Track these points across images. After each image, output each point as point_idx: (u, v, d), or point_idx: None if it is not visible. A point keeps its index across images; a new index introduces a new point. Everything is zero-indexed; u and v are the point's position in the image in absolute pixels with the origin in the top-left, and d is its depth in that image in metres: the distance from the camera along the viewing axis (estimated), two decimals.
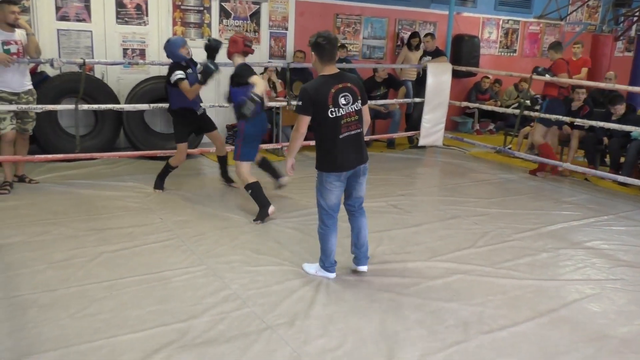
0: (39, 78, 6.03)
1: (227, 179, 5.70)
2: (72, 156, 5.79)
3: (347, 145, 3.38)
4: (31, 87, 5.30)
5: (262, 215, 4.64)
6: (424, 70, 7.69)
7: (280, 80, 7.51)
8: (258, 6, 7.87)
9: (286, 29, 8.16)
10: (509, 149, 7.43)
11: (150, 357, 2.68)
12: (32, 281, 3.40)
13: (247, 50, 4.79)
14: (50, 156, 5.73)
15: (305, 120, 3.37)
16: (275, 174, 5.33)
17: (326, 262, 3.63)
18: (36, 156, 5.63)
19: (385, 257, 4.07)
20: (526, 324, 3.19)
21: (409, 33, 8.94)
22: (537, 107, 6.99)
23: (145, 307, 3.16)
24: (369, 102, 7.32)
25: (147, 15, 7.12)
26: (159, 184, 5.39)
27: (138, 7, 7.05)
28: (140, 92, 6.60)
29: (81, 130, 6.05)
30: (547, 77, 6.48)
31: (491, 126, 9.88)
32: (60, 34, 6.60)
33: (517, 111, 6.95)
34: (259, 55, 7.94)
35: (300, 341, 2.90)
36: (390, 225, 4.74)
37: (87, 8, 6.74)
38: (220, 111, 7.54)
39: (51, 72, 6.27)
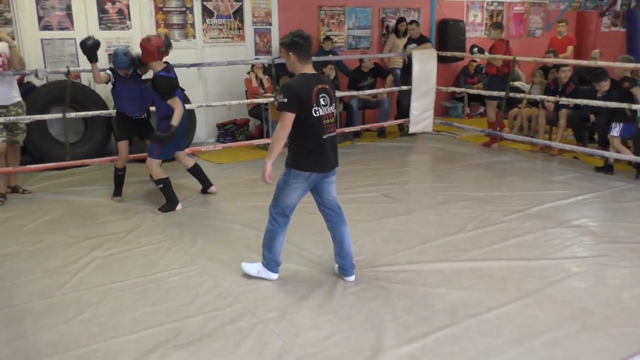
0: (25, 89, 6.07)
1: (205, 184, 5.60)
2: (63, 164, 5.85)
3: (326, 146, 3.33)
4: (20, 99, 5.35)
5: (167, 209, 4.96)
6: (410, 58, 7.72)
7: (267, 77, 7.55)
8: (240, 3, 7.89)
9: (270, 24, 8.18)
10: (498, 130, 7.48)
11: (145, 357, 2.75)
12: (28, 290, 3.47)
13: (163, 56, 4.84)
14: (42, 165, 5.79)
15: (290, 118, 3.22)
16: (205, 183, 5.46)
17: (270, 262, 3.55)
18: (28, 166, 5.69)
19: (375, 246, 4.14)
20: (512, 304, 3.26)
21: (395, 20, 8.97)
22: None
23: (139, 309, 3.23)
24: (357, 92, 7.52)
25: (129, 20, 7.15)
26: (117, 192, 5.35)
27: (120, 11, 7.07)
28: None
29: (71, 138, 6.11)
30: (483, 55, 7.36)
31: (481, 109, 9.90)
32: (44, 44, 6.63)
33: (502, 93, 6.99)
34: (245, 52, 7.97)
35: (292, 334, 2.97)
36: (381, 214, 4.80)
37: (69, 16, 6.77)
38: (209, 110, 7.60)
39: (38, 82, 6.31)
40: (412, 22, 8.21)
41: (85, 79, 6.90)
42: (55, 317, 3.14)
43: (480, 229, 4.46)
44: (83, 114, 5.91)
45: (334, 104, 3.38)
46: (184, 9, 7.50)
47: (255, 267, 3.61)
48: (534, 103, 7.52)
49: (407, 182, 5.90)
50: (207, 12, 7.67)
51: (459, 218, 4.71)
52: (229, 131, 7.78)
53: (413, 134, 8.01)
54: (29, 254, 4.03)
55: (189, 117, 5.57)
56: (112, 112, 6.26)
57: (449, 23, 9.52)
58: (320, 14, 8.61)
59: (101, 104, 6.51)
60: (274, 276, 3.58)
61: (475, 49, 7.31)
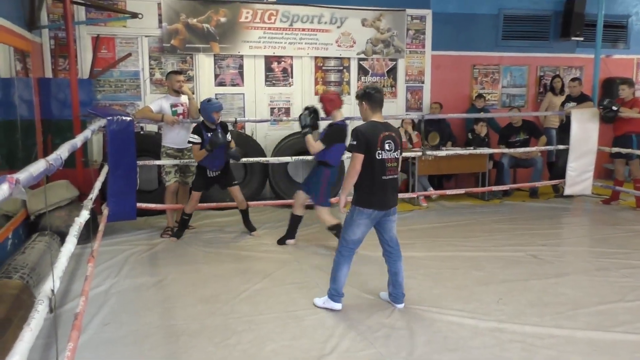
0: None
1: (249, 228, 5.94)
2: (224, 205, 6.41)
3: (387, 186, 3.69)
4: None
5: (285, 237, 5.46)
6: (568, 117, 7.37)
7: (416, 132, 7.67)
8: (395, 62, 8.19)
9: (422, 82, 8.36)
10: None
11: None
12: (185, 313, 3.83)
13: (342, 105, 5.26)
14: (205, 205, 6.39)
15: (360, 158, 3.63)
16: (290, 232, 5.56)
17: (333, 290, 3.84)
18: None
19: (519, 307, 3.92)
20: None
21: (553, 76, 8.66)
22: None
23: (279, 342, 3.40)
24: (508, 148, 7.31)
25: (292, 77, 7.77)
26: (178, 233, 5.75)
27: (284, 70, 7.72)
28: (284, 147, 7.16)
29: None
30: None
31: None
32: (217, 97, 7.44)
33: None
34: (396, 108, 8.20)
35: None
36: (528, 276, 4.56)
37: (241, 74, 7.55)
38: None
39: None
40: (574, 79, 7.86)
41: (249, 129, 7.59)
42: (205, 340, 3.42)
43: None
44: (245, 160, 6.46)
45: (398, 151, 3.74)
46: (342, 67, 7.98)
47: (322, 300, 3.91)
48: None
49: (560, 245, 5.53)
50: (362, 71, 8.07)
51: (618, 286, 4.30)
52: None
53: (569, 196, 7.53)
54: (187, 282, 4.44)
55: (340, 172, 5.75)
56: (269, 159, 6.80)
57: (615, 82, 8.94)
58: (473, 72, 8.61)
59: (260, 152, 7.08)
60: (338, 306, 3.84)
61: (606, 102, 7.08)
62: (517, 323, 3.64)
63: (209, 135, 5.42)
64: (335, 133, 5.06)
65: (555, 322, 3.67)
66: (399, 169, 3.83)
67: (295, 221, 5.49)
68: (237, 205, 5.82)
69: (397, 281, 3.91)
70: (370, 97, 3.76)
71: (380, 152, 3.64)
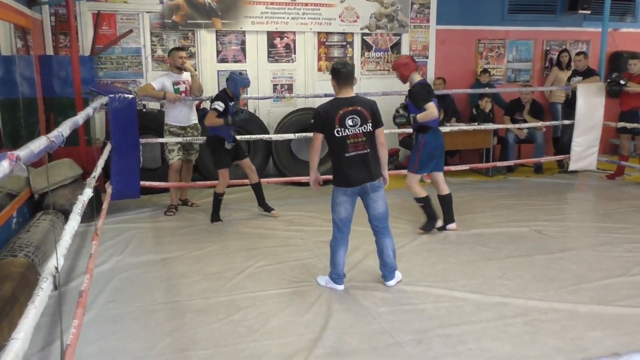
0: (201, 114, 6.77)
1: (265, 207, 5.71)
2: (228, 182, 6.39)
3: (354, 163, 3.62)
4: (197, 121, 6.01)
5: (428, 228, 5.00)
6: (573, 92, 7.29)
7: None
8: (399, 37, 8.09)
9: (427, 57, 8.27)
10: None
11: None
12: (190, 290, 3.85)
13: (417, 66, 5.07)
14: (209, 182, 6.39)
15: (318, 137, 3.69)
16: (445, 215, 5.11)
17: (334, 274, 3.82)
18: (198, 183, 6.32)
19: (523, 282, 3.93)
20: None
21: (560, 50, 8.54)
22: None
23: (283, 317, 3.42)
24: (515, 124, 7.25)
25: (294, 53, 7.69)
26: (215, 217, 5.49)
27: (287, 46, 7.65)
28: (287, 123, 7.13)
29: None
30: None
31: None
32: (220, 74, 7.39)
33: None
34: (399, 84, 8.10)
35: (428, 358, 2.93)
36: (532, 251, 4.55)
37: (243, 50, 7.48)
38: None
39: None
40: (579, 53, 7.75)
41: (252, 106, 7.54)
42: (210, 316, 3.43)
43: None
44: (247, 137, 6.43)
45: (367, 124, 3.63)
46: (345, 43, 7.89)
47: (324, 280, 3.91)
48: None
49: (564, 220, 5.52)
50: (366, 46, 7.98)
51: (622, 261, 4.29)
52: None
53: (574, 172, 7.50)
54: (193, 259, 4.46)
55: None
56: (272, 136, 6.76)
57: (622, 56, 8.82)
58: (478, 47, 8.51)
59: (263, 129, 7.04)
60: (340, 287, 3.82)
61: (614, 75, 6.93)
62: (521, 298, 3.65)
63: (232, 105, 5.27)
64: (423, 90, 4.81)
65: (559, 296, 3.68)
66: (372, 143, 3.68)
67: (440, 203, 5.13)
68: (249, 179, 5.64)
69: (382, 260, 3.87)
70: (337, 73, 3.70)
71: (339, 129, 3.59)
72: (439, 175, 5.08)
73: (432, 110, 4.72)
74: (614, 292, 3.73)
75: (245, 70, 7.07)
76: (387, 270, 3.88)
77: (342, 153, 3.63)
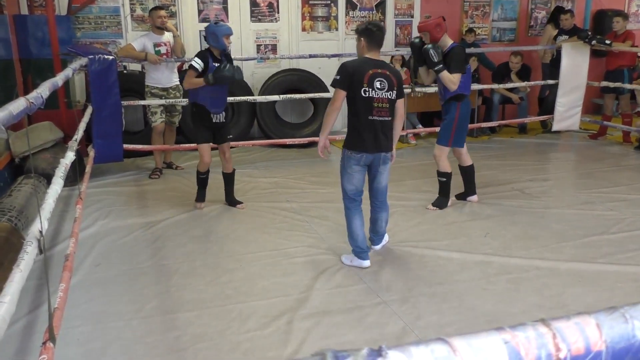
0: (183, 75, 6.66)
1: (231, 201, 4.85)
2: (213, 145, 6.33)
3: (374, 128, 3.41)
4: (178, 83, 5.91)
5: (440, 205, 4.71)
6: (558, 51, 7.27)
7: (404, 69, 7.55)
8: None
9: (412, 16, 8.16)
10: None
11: (273, 321, 2.94)
12: (176, 252, 3.85)
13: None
14: (193, 145, 6.31)
15: (341, 95, 3.40)
16: (469, 189, 4.89)
17: (355, 247, 3.57)
18: (182, 145, 6.26)
19: (506, 241, 4.00)
20: None
21: (554, 7, 8.40)
22: None
23: (270, 279, 3.45)
24: (501, 86, 7.21)
25: (278, 12, 7.54)
26: (198, 196, 4.82)
27: (270, 5, 7.48)
28: (272, 85, 7.04)
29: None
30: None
31: (639, 108, 9.04)
32: (202, 35, 7.22)
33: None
34: (385, 44, 8.00)
35: (413, 316, 2.99)
36: (515, 210, 4.62)
37: (225, 9, 7.31)
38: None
39: None
40: (566, 11, 7.69)
41: None
42: (197, 278, 3.46)
43: (626, 232, 4.11)
44: (231, 99, 6.34)
45: (393, 92, 3.42)
46: (329, 1, 7.74)
47: (349, 258, 3.63)
48: None
49: (547, 180, 5.59)
50: (350, 5, 7.84)
51: (603, 219, 4.38)
52: None
53: (557, 132, 7.55)
54: (178, 222, 4.45)
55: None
56: (257, 98, 6.68)
57: (607, 14, 8.78)
58: (464, 5, 8.40)
59: (247, 91, 6.96)
60: (365, 263, 3.56)
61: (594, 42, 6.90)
62: (504, 256, 3.72)
63: (214, 65, 4.42)
64: (460, 54, 4.38)
65: (540, 254, 3.75)
66: (394, 113, 3.50)
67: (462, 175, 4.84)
68: (222, 167, 4.81)
69: (374, 229, 3.80)
70: (370, 34, 3.44)
71: (367, 89, 3.36)
72: (463, 149, 4.76)
73: (456, 81, 4.29)
74: (595, 250, 3.81)
75: (200, 33, 6.90)
76: (376, 237, 3.85)
77: (365, 115, 3.40)
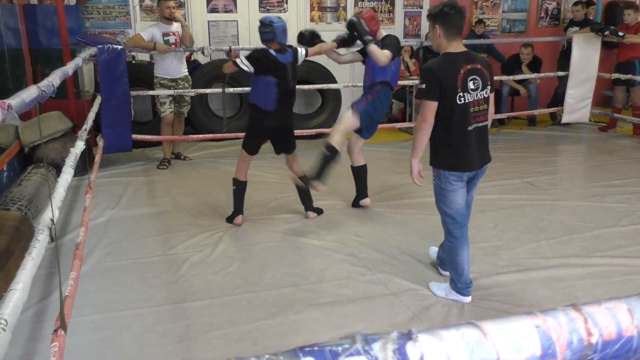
0: (192, 66, 6.66)
1: (311, 208, 4.35)
2: (219, 136, 6.34)
3: (475, 139, 2.82)
4: (187, 73, 5.90)
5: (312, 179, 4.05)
6: (569, 43, 7.20)
7: (413, 60, 7.51)
8: None
9: (421, 7, 8.10)
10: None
11: (282, 312, 2.94)
12: (185, 242, 3.86)
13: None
14: (201, 136, 6.34)
15: (432, 107, 2.75)
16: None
17: (458, 283, 3.01)
18: (190, 136, 6.27)
19: (516, 233, 3.98)
20: None
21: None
22: None
23: (279, 269, 3.45)
24: (510, 78, 7.16)
25: (286, 3, 7.50)
26: (233, 214, 4.19)
27: None
28: None
29: (228, 113, 6.59)
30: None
31: None
32: (210, 25, 7.21)
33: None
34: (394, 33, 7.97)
35: (422, 307, 2.99)
36: (525, 202, 4.59)
37: (234, 0, 7.27)
38: (355, 91, 7.72)
39: (202, 59, 6.90)
40: (577, 3, 7.62)
41: None
42: (207, 268, 3.46)
43: (637, 224, 4.08)
44: (240, 89, 6.34)
45: (488, 87, 2.83)
46: None
47: (443, 289, 3.10)
48: None
49: (557, 172, 5.56)
50: None
51: (613, 212, 4.35)
52: None
53: (567, 124, 7.49)
54: (186, 212, 4.46)
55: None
56: None
57: (618, 5, 8.68)
58: None
59: None
60: (466, 299, 3.02)
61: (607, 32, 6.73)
62: (513, 248, 3.70)
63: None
64: (396, 39, 4.08)
65: (550, 247, 3.74)
66: (490, 111, 2.93)
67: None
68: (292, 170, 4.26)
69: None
70: (447, 19, 2.77)
71: (461, 94, 2.74)
72: (361, 142, 4.39)
73: (387, 56, 3.87)
74: (605, 243, 3.79)
75: (208, 24, 6.92)
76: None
77: (462, 126, 2.78)
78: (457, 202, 2.91)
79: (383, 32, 4.23)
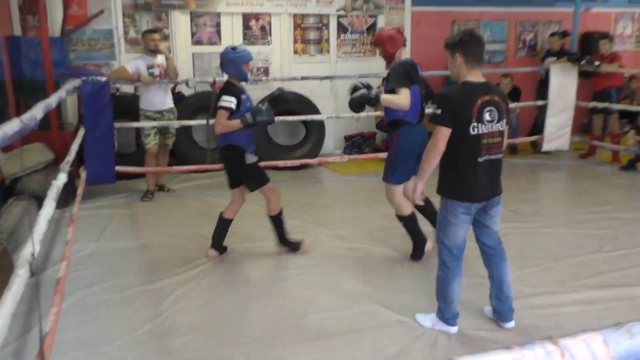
0: (176, 97, 6.67)
1: (285, 242, 4.15)
2: (204, 167, 6.32)
3: (485, 170, 2.80)
4: (172, 105, 5.91)
5: (417, 255, 3.99)
6: (547, 72, 7.36)
7: None
8: (374, 19, 8.05)
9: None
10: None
11: (268, 346, 2.90)
12: (168, 276, 3.80)
13: (404, 40, 3.93)
14: (185, 167, 6.31)
15: (445, 134, 2.74)
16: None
17: (446, 313, 3.00)
18: (174, 167, 6.24)
19: None
20: None
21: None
22: None
23: (264, 303, 3.41)
24: None
25: (270, 35, 7.60)
26: (217, 244, 4.14)
27: (262, 28, 7.55)
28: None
29: (211, 144, 6.59)
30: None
31: (628, 127, 9.14)
32: (195, 57, 7.26)
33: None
34: (376, 66, 8.09)
35: (410, 339, 2.96)
36: (509, 230, 4.59)
37: (218, 32, 7.35)
38: (338, 122, 7.79)
39: (187, 91, 6.92)
40: (553, 34, 7.83)
41: None
42: (191, 302, 3.41)
43: (621, 250, 4.12)
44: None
45: (503, 120, 2.81)
46: (321, 25, 7.81)
47: (430, 320, 3.08)
48: None
49: (539, 199, 5.63)
50: (342, 28, 7.92)
51: (596, 238, 4.39)
52: (355, 143, 7.94)
53: (547, 152, 7.60)
54: (171, 246, 4.41)
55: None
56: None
57: (593, 36, 8.93)
58: (454, 29, 8.52)
59: None
60: (453, 330, 3.01)
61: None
62: None
63: (244, 98, 3.88)
64: (398, 69, 3.70)
65: (535, 274, 3.75)
66: (504, 145, 2.91)
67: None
68: (267, 210, 4.10)
69: (502, 292, 3.03)
70: (468, 47, 2.79)
71: (475, 124, 2.72)
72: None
73: (403, 97, 3.58)
74: (590, 269, 3.81)
75: (193, 56, 7.02)
76: (505, 307, 3.05)
77: (472, 157, 2.77)
78: (458, 237, 2.90)
79: (404, 54, 3.88)
